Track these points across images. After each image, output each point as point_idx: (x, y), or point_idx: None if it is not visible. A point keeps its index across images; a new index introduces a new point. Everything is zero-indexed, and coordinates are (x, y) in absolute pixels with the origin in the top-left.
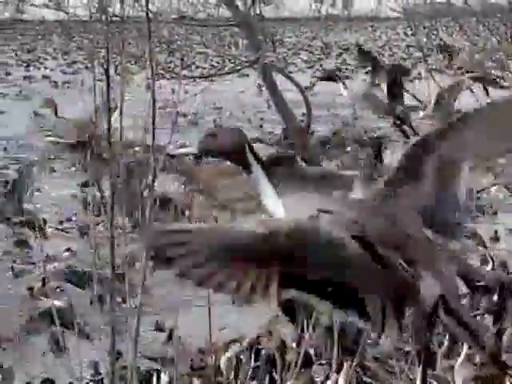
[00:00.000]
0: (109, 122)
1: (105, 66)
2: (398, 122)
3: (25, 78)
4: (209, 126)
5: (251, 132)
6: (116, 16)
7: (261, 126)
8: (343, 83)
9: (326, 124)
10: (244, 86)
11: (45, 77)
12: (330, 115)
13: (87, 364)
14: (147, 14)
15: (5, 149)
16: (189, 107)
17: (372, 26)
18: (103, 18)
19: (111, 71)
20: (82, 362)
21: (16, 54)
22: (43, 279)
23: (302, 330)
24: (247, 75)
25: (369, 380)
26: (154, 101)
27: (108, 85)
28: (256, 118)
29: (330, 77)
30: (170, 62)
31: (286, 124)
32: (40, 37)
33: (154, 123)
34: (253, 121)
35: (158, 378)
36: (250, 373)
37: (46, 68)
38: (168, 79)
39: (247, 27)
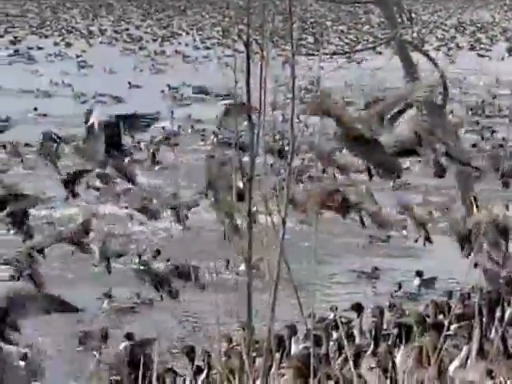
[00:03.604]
0: (248, 98)
1: (246, 42)
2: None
3: (157, 52)
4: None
5: None
6: None
7: None
8: None
9: (459, 102)
10: (375, 65)
11: (177, 52)
12: (460, 93)
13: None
14: None
15: None
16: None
17: (506, 5)
18: None
19: (242, 47)
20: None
21: (151, 29)
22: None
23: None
24: (380, 53)
25: None
26: (294, 78)
27: (248, 60)
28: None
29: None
30: (305, 38)
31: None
32: (176, 12)
33: (293, 98)
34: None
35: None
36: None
37: (179, 43)
38: (306, 55)
39: (383, 4)
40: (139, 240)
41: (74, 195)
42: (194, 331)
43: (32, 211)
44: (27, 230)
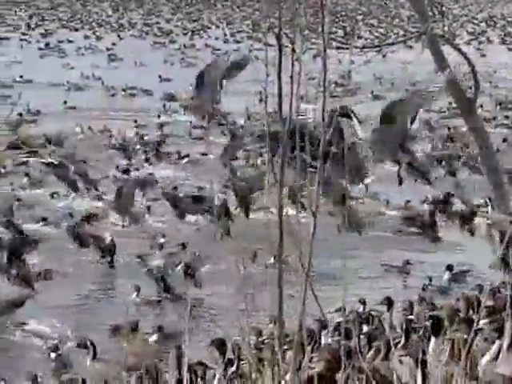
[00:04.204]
0: (279, 91)
1: (277, 36)
2: None
3: (187, 46)
4: (364, 96)
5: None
6: None
7: None
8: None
9: (489, 96)
10: (405, 58)
11: (207, 45)
12: (490, 87)
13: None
14: None
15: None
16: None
17: None
18: None
19: (273, 40)
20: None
21: (181, 23)
22: None
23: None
24: (410, 47)
25: None
26: (326, 71)
27: (280, 53)
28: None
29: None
30: (335, 32)
31: (453, 95)
32: (206, 6)
33: (324, 91)
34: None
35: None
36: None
37: (209, 37)
38: (336, 49)
39: None
40: (165, 234)
41: (75, 189)
42: (219, 324)
43: (53, 201)
44: (17, 227)
